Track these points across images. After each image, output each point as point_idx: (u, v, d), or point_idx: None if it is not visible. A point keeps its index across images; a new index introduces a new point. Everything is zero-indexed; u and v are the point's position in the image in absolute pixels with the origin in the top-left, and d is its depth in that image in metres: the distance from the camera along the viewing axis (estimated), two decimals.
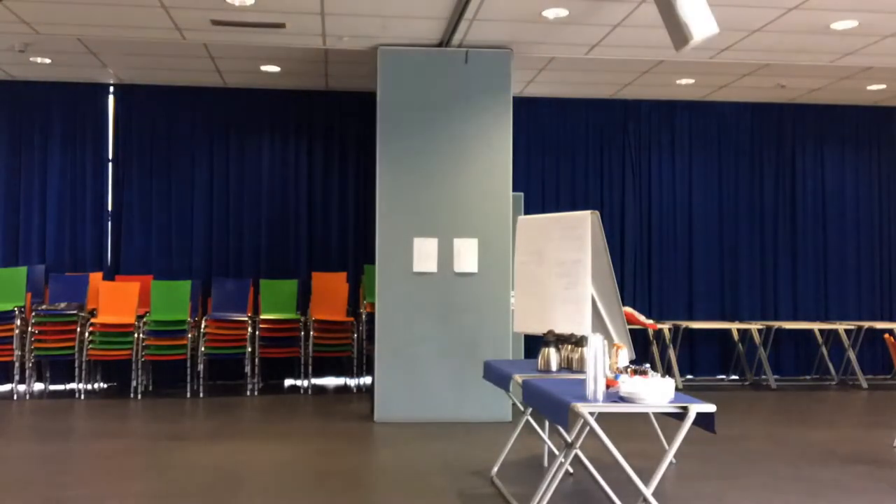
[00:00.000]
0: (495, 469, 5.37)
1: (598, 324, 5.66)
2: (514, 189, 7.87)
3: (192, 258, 9.54)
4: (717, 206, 10.33)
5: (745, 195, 10.38)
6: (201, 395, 8.61)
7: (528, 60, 8.20)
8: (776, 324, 9.75)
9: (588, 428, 3.85)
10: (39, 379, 8.95)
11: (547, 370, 4.76)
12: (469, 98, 7.66)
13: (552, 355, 4.80)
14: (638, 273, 10.12)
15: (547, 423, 5.85)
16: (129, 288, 8.87)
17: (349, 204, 9.78)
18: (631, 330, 6.38)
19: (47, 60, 8.48)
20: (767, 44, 7.57)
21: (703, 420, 3.69)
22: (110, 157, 9.61)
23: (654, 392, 3.70)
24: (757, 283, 10.34)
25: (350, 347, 9.08)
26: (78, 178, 9.49)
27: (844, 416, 8.21)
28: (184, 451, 6.34)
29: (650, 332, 9.22)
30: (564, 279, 5.71)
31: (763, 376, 9.93)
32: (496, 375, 5.19)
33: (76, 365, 8.51)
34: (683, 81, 9.23)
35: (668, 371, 9.49)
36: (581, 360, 4.69)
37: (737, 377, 10.26)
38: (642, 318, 9.00)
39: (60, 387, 9.00)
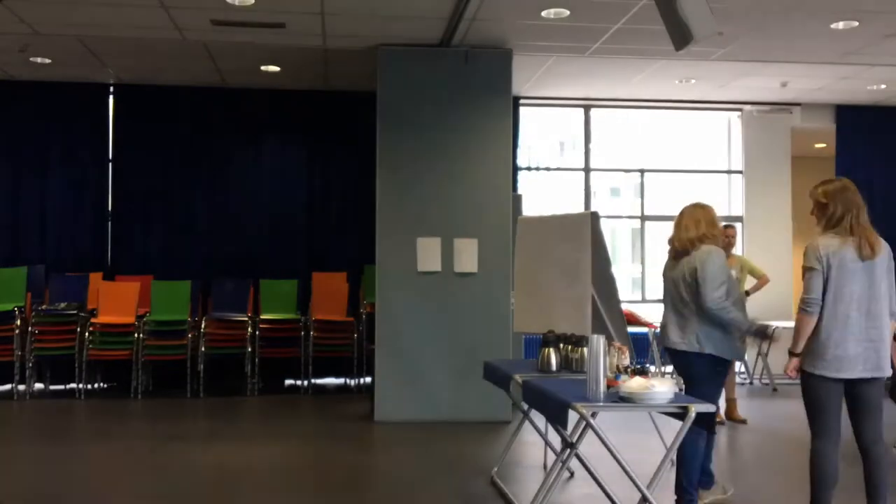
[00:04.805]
0: (495, 469, 5.37)
1: (598, 324, 5.65)
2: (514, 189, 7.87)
3: (192, 258, 9.50)
4: None
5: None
6: (201, 395, 8.60)
7: (528, 60, 8.19)
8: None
9: (588, 428, 3.84)
10: (39, 379, 8.93)
11: (547, 370, 4.76)
12: (469, 98, 7.65)
13: (552, 355, 4.79)
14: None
15: (547, 423, 5.84)
16: (129, 288, 8.85)
17: (349, 204, 9.76)
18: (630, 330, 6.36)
19: (47, 60, 8.47)
20: (767, 44, 7.57)
21: (703, 420, 3.69)
22: (110, 157, 9.60)
23: (654, 392, 3.69)
24: None
25: (350, 347, 9.05)
26: (78, 178, 9.48)
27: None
28: (184, 451, 6.34)
29: (650, 332, 9.21)
30: (564, 279, 5.70)
31: (764, 377, 9.92)
32: (496, 375, 5.18)
33: (76, 365, 8.50)
34: (683, 82, 9.22)
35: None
36: (581, 360, 4.68)
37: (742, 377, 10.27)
38: (643, 317, 8.99)
39: (60, 387, 8.98)
